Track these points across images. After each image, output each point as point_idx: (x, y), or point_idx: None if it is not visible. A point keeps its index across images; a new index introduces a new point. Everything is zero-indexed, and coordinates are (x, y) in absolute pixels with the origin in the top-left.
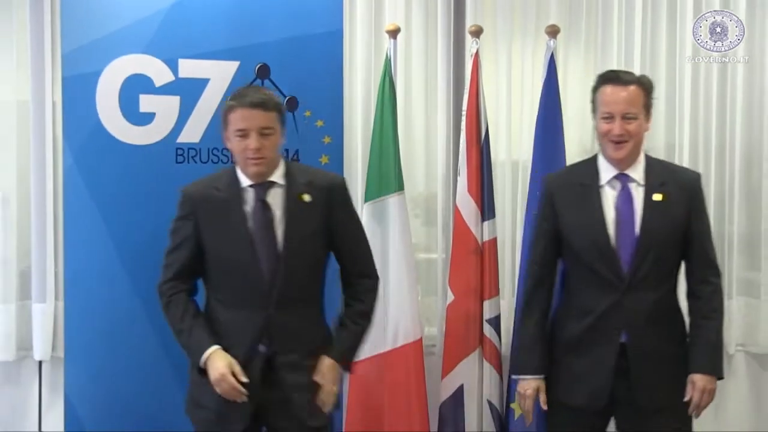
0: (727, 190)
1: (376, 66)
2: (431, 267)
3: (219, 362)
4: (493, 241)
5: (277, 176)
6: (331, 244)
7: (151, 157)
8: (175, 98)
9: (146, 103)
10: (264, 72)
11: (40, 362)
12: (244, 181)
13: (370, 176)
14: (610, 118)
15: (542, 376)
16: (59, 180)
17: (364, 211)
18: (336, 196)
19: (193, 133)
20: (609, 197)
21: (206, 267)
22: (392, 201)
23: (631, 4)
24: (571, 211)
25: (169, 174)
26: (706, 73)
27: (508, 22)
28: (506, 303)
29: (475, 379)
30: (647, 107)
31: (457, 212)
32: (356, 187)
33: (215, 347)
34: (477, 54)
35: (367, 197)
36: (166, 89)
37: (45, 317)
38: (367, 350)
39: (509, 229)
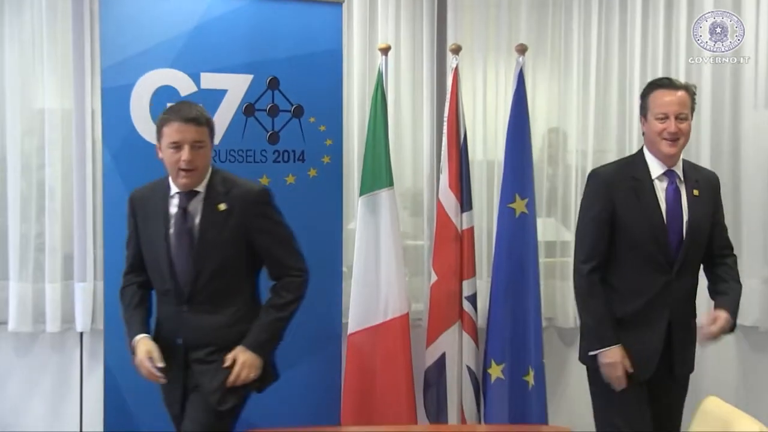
0: None
1: (370, 79)
2: (417, 252)
3: (139, 348)
4: (471, 230)
5: (201, 186)
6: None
7: None
8: (199, 106)
9: None
10: (274, 84)
11: (81, 333)
12: (173, 188)
13: (365, 173)
14: (665, 118)
15: (620, 345)
16: (98, 176)
17: (359, 204)
18: (251, 205)
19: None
20: (659, 190)
21: None
22: (384, 195)
23: (588, 26)
24: (630, 201)
25: None
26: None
27: (483, 42)
28: (482, 283)
29: (455, 348)
30: (692, 111)
31: (439, 205)
32: (353, 183)
33: (141, 336)
34: (456, 68)
35: (362, 191)
36: (189, 99)
37: (86, 294)
38: (362, 322)
39: (485, 219)
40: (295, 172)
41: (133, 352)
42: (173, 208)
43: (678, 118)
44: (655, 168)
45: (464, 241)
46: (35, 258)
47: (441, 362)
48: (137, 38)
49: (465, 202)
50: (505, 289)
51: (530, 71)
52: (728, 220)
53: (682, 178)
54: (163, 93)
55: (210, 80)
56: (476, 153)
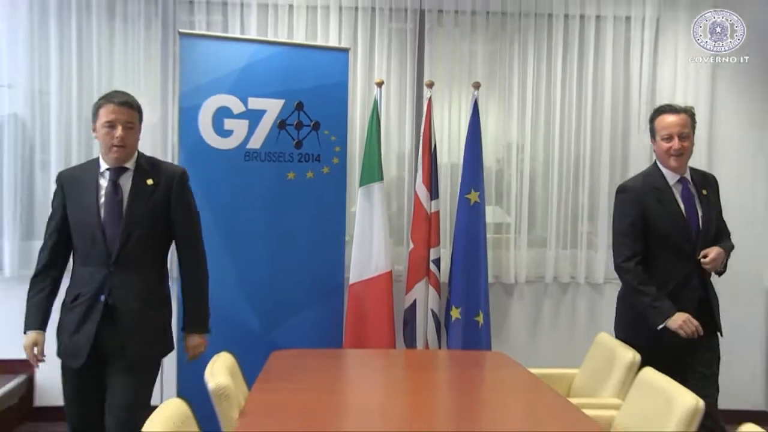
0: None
1: (368, 104)
2: (400, 228)
3: (29, 338)
4: (437, 213)
5: (130, 164)
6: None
7: (230, 157)
8: (245, 121)
9: (228, 124)
10: (300, 106)
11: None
12: (103, 165)
13: (363, 171)
14: (669, 138)
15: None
16: None
17: (359, 193)
18: (175, 183)
19: (255, 142)
20: (677, 195)
21: (70, 232)
22: (376, 186)
23: (525, 72)
24: (656, 207)
25: (240, 167)
26: (568, 121)
27: (449, 79)
28: (445, 251)
29: (423, 296)
30: (693, 129)
31: (415, 194)
32: (354, 177)
33: (32, 331)
34: (430, 98)
35: (361, 183)
36: (240, 116)
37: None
38: (359, 276)
39: (449, 205)
40: (313, 169)
41: (25, 332)
42: (103, 182)
43: (680, 137)
44: (670, 177)
45: (432, 220)
46: None
47: (413, 306)
48: (205, 72)
49: (434, 193)
50: (462, 255)
51: (483, 101)
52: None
53: (692, 182)
54: (222, 111)
55: (254, 103)
56: (443, 158)
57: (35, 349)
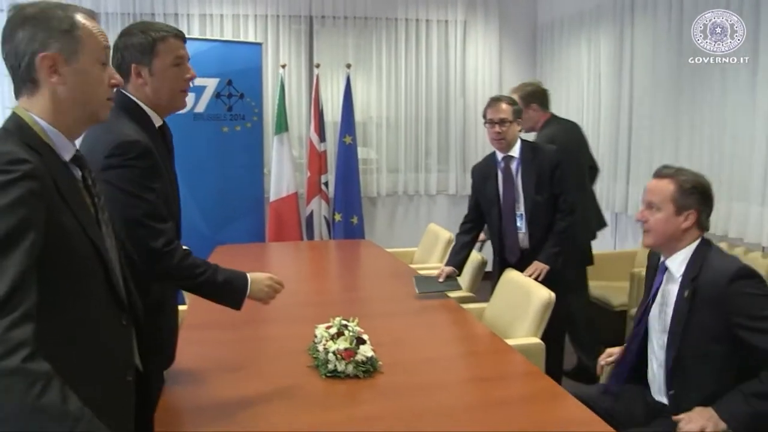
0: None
1: (277, 80)
2: (301, 163)
3: (261, 276)
4: (325, 152)
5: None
6: None
7: (183, 118)
8: (193, 94)
9: None
10: (230, 82)
11: None
12: (157, 121)
13: (276, 125)
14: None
15: None
16: None
17: (274, 140)
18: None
19: (200, 108)
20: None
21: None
22: (285, 135)
23: (380, 55)
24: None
25: (191, 125)
26: (409, 91)
27: (330, 61)
28: (331, 176)
29: (318, 207)
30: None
31: (309, 140)
32: (269, 130)
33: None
34: (318, 75)
35: (275, 133)
36: (189, 90)
37: None
38: (275, 195)
39: (332, 146)
40: (240, 124)
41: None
42: (166, 141)
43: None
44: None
45: (321, 156)
46: None
47: (311, 214)
48: None
49: (322, 137)
50: (342, 179)
51: (353, 77)
52: None
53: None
54: None
55: (199, 81)
56: (327, 115)
57: None
